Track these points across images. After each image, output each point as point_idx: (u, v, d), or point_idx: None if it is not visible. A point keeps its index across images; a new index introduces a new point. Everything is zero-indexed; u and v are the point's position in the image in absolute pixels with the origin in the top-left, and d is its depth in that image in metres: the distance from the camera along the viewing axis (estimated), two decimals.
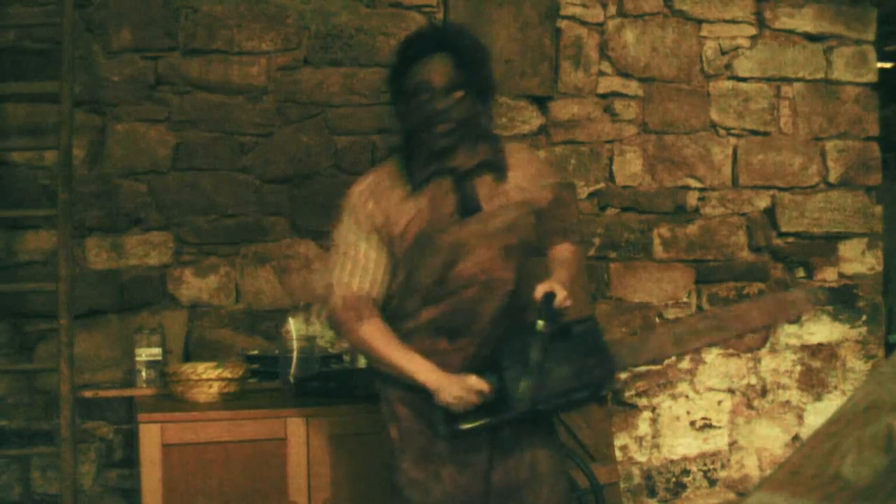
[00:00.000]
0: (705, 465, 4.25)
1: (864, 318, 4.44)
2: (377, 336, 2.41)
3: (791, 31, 4.35)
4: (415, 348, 2.40)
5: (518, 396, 2.26)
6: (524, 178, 2.50)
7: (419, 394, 2.39)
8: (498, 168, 2.46)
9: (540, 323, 2.25)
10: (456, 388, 2.32)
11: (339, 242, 2.47)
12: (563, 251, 2.61)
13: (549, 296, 2.29)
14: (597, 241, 4.12)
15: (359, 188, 2.47)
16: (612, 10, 4.15)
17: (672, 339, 2.53)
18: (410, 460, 2.48)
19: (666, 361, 4.20)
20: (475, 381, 2.32)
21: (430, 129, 2.36)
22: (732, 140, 4.30)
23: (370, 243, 2.42)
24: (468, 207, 2.41)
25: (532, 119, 4.07)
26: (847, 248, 4.43)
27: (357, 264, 2.41)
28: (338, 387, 3.17)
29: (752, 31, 4.31)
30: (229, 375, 3.17)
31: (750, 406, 4.31)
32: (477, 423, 2.34)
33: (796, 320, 4.26)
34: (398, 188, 2.42)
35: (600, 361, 2.34)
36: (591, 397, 2.41)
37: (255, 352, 3.61)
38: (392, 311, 2.46)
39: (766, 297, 3.02)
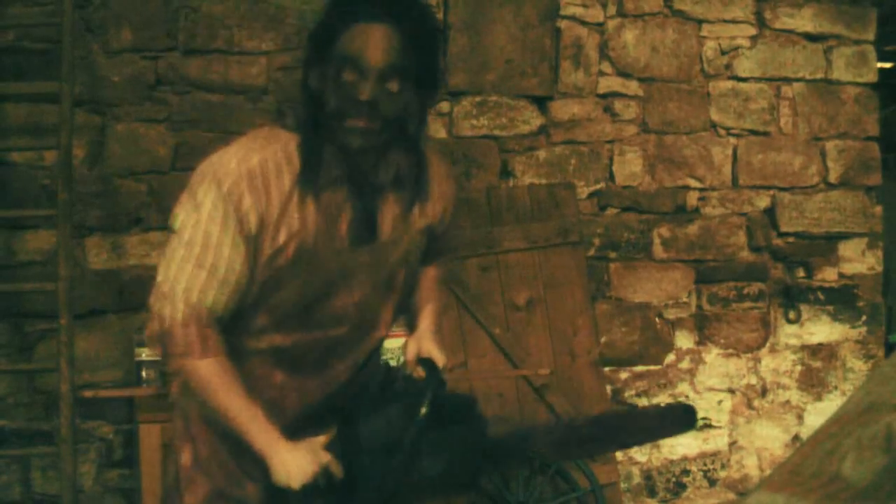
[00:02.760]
0: (705, 465, 4.25)
1: (864, 318, 4.44)
2: (219, 377, 1.79)
3: (791, 31, 4.35)
4: (245, 372, 1.86)
5: (375, 491, 1.79)
6: (438, 198, 1.98)
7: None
8: (417, 188, 1.91)
9: (423, 410, 1.78)
10: (306, 465, 1.76)
11: (193, 235, 1.78)
12: (429, 279, 2.07)
13: (432, 368, 1.82)
14: (597, 241, 4.12)
15: (235, 167, 1.80)
16: (612, 10, 4.15)
17: (554, 444, 1.98)
18: (201, 496, 1.96)
19: (665, 361, 4.20)
20: (329, 460, 1.78)
21: (345, 120, 1.75)
22: (732, 140, 4.30)
23: (236, 248, 1.77)
24: (363, 235, 1.86)
25: (532, 119, 4.07)
26: (847, 248, 4.43)
27: (215, 272, 1.77)
28: None
29: (752, 31, 4.31)
30: None
31: (750, 406, 4.30)
32: None
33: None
34: (287, 181, 1.79)
35: (475, 457, 1.87)
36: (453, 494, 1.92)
37: None
38: (230, 321, 1.86)
39: (648, 411, 2.47)
